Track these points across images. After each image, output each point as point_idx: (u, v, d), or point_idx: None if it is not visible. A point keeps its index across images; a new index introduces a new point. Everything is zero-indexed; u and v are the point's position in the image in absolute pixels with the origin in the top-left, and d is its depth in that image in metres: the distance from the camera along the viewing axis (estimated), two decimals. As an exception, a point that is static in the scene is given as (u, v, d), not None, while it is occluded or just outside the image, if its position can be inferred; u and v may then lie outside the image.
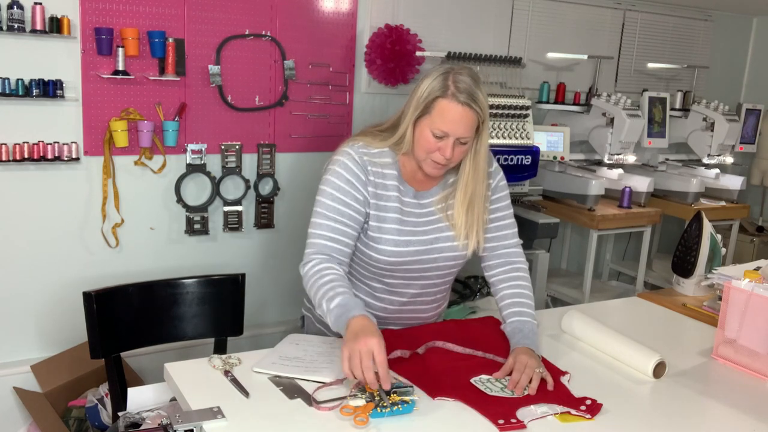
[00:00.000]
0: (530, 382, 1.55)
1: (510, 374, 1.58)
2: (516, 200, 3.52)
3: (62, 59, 2.64)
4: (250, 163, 3.10)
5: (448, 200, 1.81)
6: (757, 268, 2.07)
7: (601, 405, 1.49)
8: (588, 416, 1.45)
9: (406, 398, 1.44)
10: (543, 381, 1.57)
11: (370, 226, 1.77)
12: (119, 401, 1.96)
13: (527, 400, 1.50)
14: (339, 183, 1.74)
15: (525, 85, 3.66)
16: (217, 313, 2.18)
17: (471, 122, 1.66)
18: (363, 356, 1.42)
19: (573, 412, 1.46)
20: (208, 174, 2.99)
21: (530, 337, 1.71)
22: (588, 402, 1.50)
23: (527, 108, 3.31)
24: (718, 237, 2.37)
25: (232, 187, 3.09)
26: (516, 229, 1.92)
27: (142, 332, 2.09)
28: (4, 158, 2.57)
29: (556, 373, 1.65)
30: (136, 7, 2.72)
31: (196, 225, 3.01)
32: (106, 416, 2.56)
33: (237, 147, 3.03)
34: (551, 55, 3.88)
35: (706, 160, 4.04)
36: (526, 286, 1.85)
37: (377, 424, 1.38)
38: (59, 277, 2.80)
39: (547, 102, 3.76)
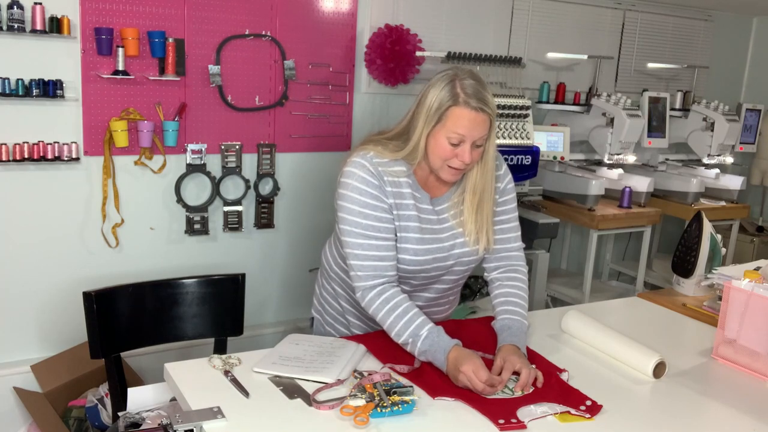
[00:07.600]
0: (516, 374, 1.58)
1: (500, 374, 1.58)
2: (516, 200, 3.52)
3: (62, 59, 2.64)
4: (250, 163, 3.10)
5: (459, 204, 1.81)
6: (757, 268, 2.07)
7: (601, 406, 1.49)
8: (587, 416, 1.45)
9: (406, 398, 1.44)
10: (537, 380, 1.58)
11: None
12: (119, 401, 1.96)
13: (527, 400, 1.50)
14: (364, 199, 1.71)
15: (525, 85, 3.66)
16: (217, 313, 2.18)
17: (485, 124, 1.67)
18: (472, 382, 1.52)
19: (573, 411, 1.46)
20: (208, 174, 2.99)
21: (518, 335, 1.72)
22: (588, 402, 1.50)
23: (527, 108, 3.31)
24: (718, 237, 2.37)
25: (232, 187, 3.09)
26: (519, 233, 1.93)
27: (142, 332, 2.09)
28: (4, 158, 2.57)
29: (554, 369, 1.65)
30: (136, 7, 2.72)
31: (196, 225, 3.01)
32: (106, 416, 2.56)
33: (237, 147, 3.03)
34: (551, 55, 3.87)
35: (706, 160, 4.04)
36: (521, 287, 1.86)
37: (377, 424, 1.38)
38: (59, 277, 2.80)
39: (547, 102, 3.76)
